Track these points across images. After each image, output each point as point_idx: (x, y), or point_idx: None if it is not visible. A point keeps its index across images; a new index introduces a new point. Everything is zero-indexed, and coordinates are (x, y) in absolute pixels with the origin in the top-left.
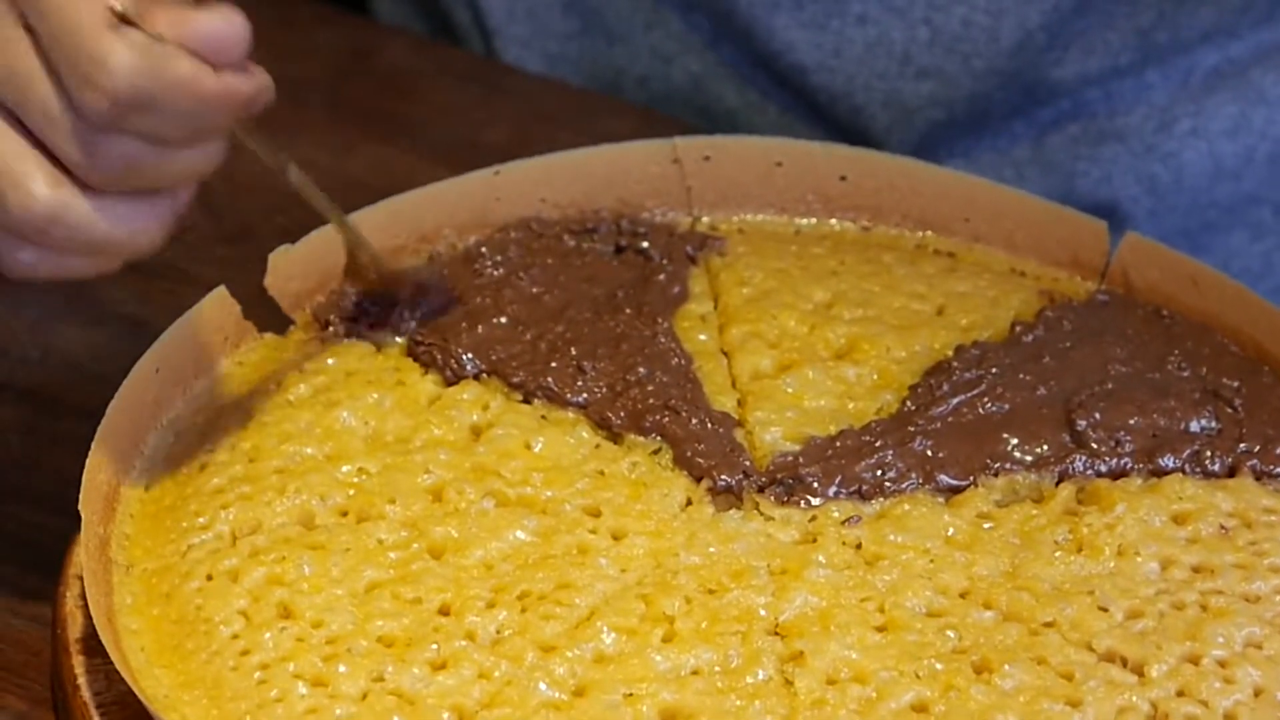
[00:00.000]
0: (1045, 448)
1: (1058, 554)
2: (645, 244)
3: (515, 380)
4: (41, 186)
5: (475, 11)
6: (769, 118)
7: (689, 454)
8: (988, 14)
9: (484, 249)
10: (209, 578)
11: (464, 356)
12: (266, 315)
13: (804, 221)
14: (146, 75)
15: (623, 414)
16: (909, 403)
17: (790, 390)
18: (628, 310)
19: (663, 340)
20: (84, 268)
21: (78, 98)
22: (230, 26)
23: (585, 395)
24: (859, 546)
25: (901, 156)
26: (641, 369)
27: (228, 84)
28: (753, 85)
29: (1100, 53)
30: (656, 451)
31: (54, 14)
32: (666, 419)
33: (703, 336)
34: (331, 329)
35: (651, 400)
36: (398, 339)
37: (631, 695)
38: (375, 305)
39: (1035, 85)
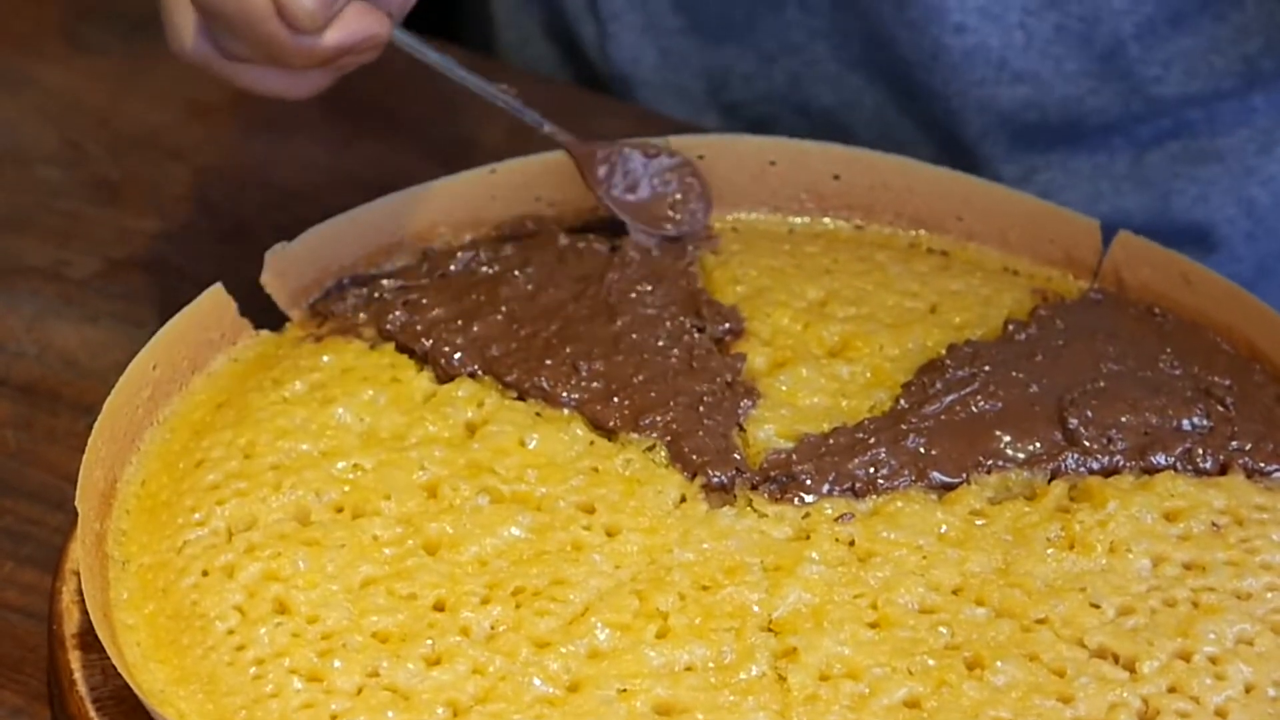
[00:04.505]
0: (1038, 445)
1: (1050, 551)
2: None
3: (509, 378)
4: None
5: (591, 2)
6: (865, 115)
7: (683, 451)
8: (1081, 21)
9: (480, 247)
10: (205, 573)
11: (454, 357)
12: (263, 312)
13: (798, 220)
14: None
15: (617, 411)
16: (902, 400)
17: (784, 388)
18: (623, 308)
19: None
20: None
21: None
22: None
23: (579, 394)
24: (852, 543)
25: (894, 155)
26: (635, 367)
27: (289, 36)
28: (848, 83)
29: (1203, 75)
30: (650, 448)
31: None
32: (660, 416)
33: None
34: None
35: (645, 398)
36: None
37: (625, 691)
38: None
39: (1133, 99)
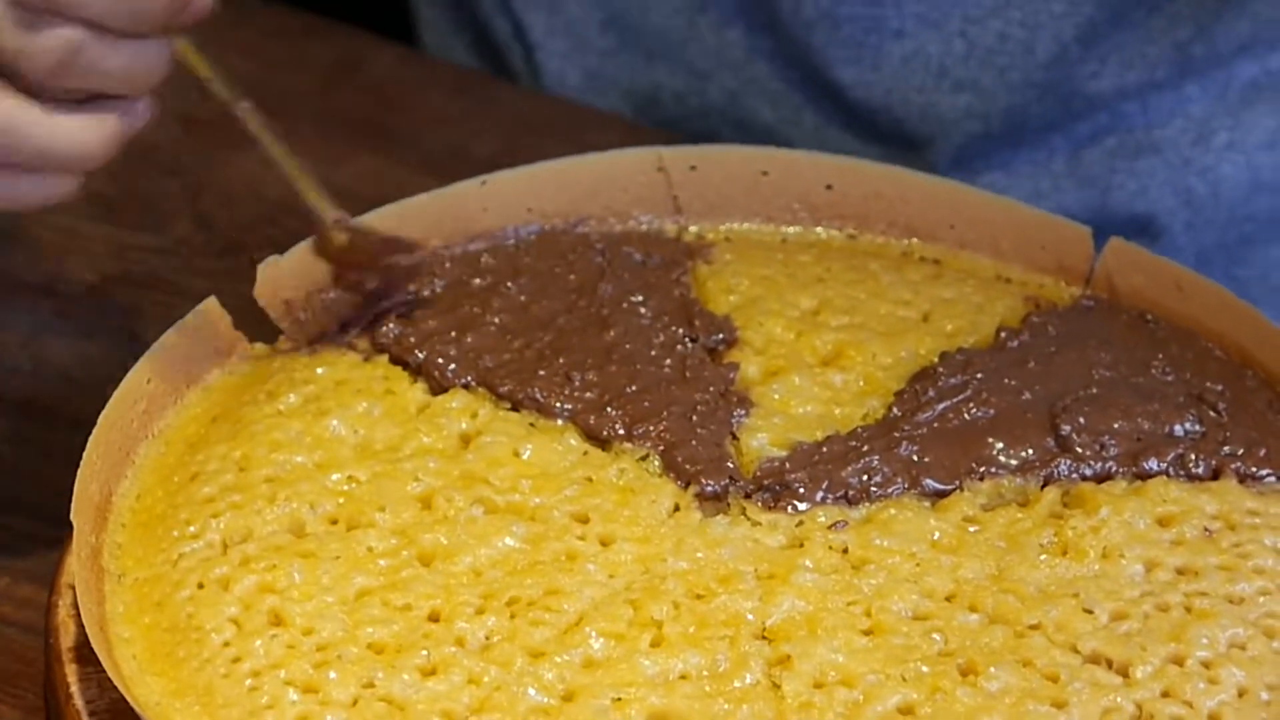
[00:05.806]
0: (1030, 452)
1: (1043, 557)
2: (636, 255)
3: (503, 389)
4: None
5: (516, 25)
6: (805, 131)
7: (677, 460)
8: (1023, 27)
9: (471, 259)
10: (200, 586)
11: (448, 368)
12: (256, 325)
13: (790, 230)
14: None
15: (610, 421)
16: (895, 408)
17: (777, 397)
18: (616, 319)
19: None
20: (33, 191)
21: None
22: None
23: (573, 404)
24: (845, 551)
25: (886, 164)
26: (629, 377)
27: None
28: (788, 101)
29: (1138, 66)
30: (644, 458)
31: None
32: (654, 426)
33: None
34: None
35: (638, 408)
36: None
37: (620, 700)
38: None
39: (1072, 97)
